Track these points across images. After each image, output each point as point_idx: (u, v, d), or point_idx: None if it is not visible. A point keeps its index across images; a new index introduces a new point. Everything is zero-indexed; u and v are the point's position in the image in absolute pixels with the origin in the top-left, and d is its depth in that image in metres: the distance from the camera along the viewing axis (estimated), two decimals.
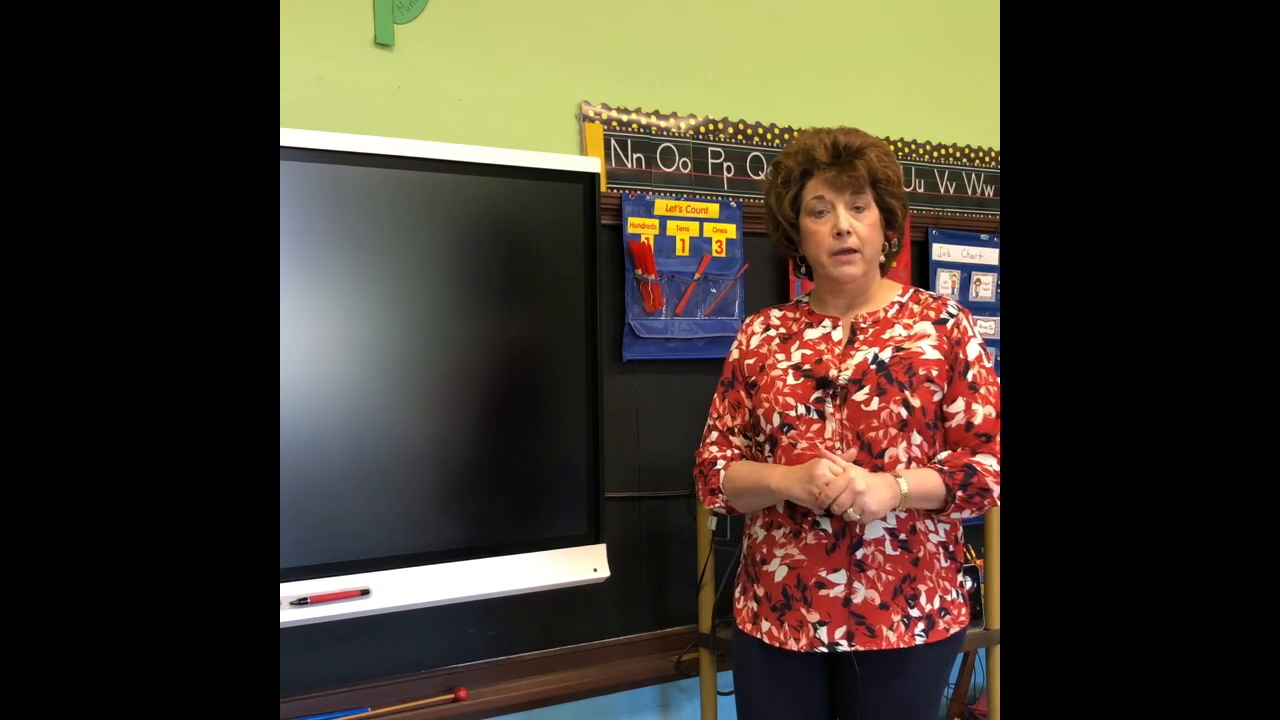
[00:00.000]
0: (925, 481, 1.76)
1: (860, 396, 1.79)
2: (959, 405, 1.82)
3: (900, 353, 1.82)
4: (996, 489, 1.77)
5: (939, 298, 1.90)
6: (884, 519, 1.79)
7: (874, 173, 1.82)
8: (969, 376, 1.82)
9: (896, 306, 1.89)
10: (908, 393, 1.79)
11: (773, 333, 1.94)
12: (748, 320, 2.00)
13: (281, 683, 2.01)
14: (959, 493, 1.76)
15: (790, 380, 1.84)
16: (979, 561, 2.59)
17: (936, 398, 1.81)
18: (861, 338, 1.86)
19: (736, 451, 1.93)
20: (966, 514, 1.80)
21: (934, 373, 1.81)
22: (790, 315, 1.95)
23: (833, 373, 1.83)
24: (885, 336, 1.85)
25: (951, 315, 1.86)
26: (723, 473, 1.91)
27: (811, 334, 1.90)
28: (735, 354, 1.97)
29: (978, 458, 1.78)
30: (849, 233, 1.81)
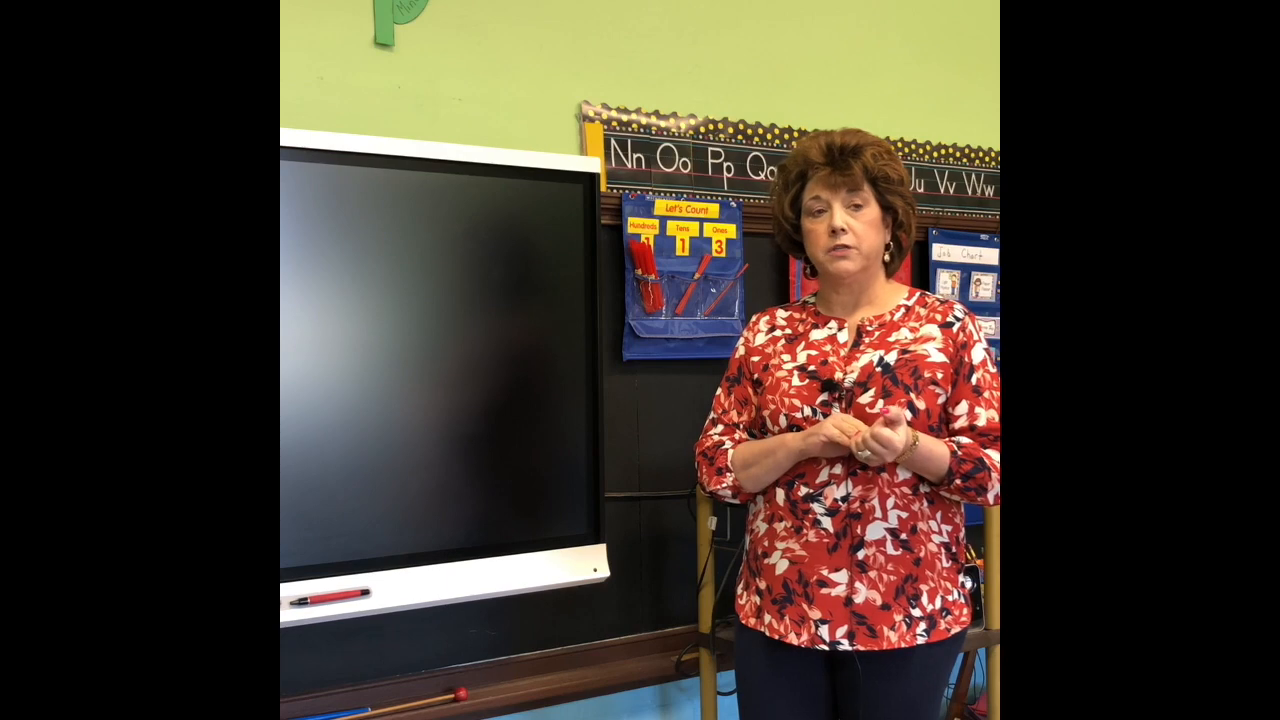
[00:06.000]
0: (936, 448, 1.77)
1: (866, 399, 1.80)
2: (962, 408, 1.82)
3: (906, 355, 1.83)
4: (994, 491, 1.78)
5: (946, 301, 1.91)
6: (886, 519, 1.79)
7: (870, 171, 1.82)
8: (973, 380, 1.83)
9: (903, 309, 1.90)
10: (913, 395, 1.79)
11: (778, 333, 1.94)
12: (754, 318, 2.01)
13: (281, 683, 2.01)
14: (957, 480, 1.78)
15: (796, 381, 1.85)
16: (979, 561, 2.59)
17: (941, 400, 1.82)
18: (867, 340, 1.86)
19: (744, 437, 1.94)
20: (956, 497, 1.83)
21: (939, 375, 1.82)
22: (796, 316, 1.96)
23: (838, 375, 1.83)
24: (891, 339, 1.85)
25: (958, 319, 1.86)
26: (730, 451, 1.91)
27: (817, 335, 1.90)
28: (741, 350, 1.98)
29: (989, 452, 1.79)
30: (843, 230, 1.82)
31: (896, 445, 1.70)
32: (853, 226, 1.83)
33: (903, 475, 1.81)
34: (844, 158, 1.83)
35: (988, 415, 1.82)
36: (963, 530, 1.91)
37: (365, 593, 2.01)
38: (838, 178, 1.82)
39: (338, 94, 2.18)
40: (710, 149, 2.62)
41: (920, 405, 1.79)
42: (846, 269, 1.85)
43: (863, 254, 1.84)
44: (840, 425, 1.74)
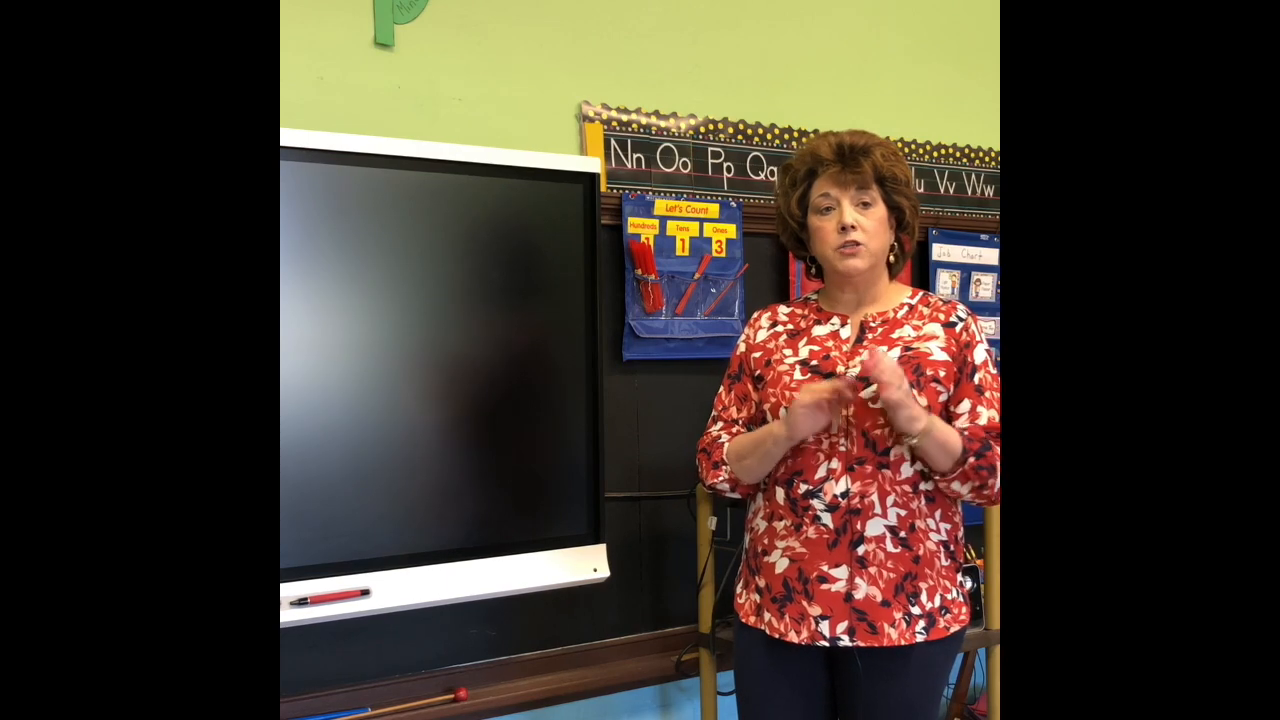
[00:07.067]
0: (949, 432, 1.77)
1: (867, 394, 1.80)
2: (964, 407, 1.83)
3: (909, 352, 1.83)
4: (997, 480, 1.78)
5: (949, 301, 1.91)
6: (885, 516, 1.79)
7: (879, 170, 1.84)
8: (975, 379, 1.83)
9: (906, 308, 1.90)
10: (915, 392, 1.79)
11: (780, 328, 1.95)
12: (755, 315, 2.01)
13: (281, 683, 2.01)
14: (971, 459, 1.76)
15: (798, 376, 1.85)
16: (979, 561, 2.59)
17: (942, 398, 1.82)
18: (870, 336, 1.87)
19: (741, 432, 1.94)
20: (965, 489, 1.80)
21: (941, 373, 1.82)
22: (799, 312, 1.96)
23: (840, 370, 1.83)
24: (894, 336, 1.86)
25: (961, 319, 1.87)
26: (726, 445, 1.92)
27: (819, 330, 1.91)
28: (742, 347, 1.98)
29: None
30: (853, 226, 1.83)
31: (889, 363, 1.71)
32: (861, 224, 1.84)
33: (904, 473, 1.81)
34: (854, 156, 1.84)
35: (989, 414, 1.82)
36: (961, 530, 1.91)
37: (365, 593, 2.01)
38: (848, 175, 1.83)
39: (338, 94, 2.18)
40: (710, 149, 2.62)
41: (922, 402, 1.80)
42: (856, 267, 1.85)
43: (871, 252, 1.85)
44: (812, 389, 1.75)
